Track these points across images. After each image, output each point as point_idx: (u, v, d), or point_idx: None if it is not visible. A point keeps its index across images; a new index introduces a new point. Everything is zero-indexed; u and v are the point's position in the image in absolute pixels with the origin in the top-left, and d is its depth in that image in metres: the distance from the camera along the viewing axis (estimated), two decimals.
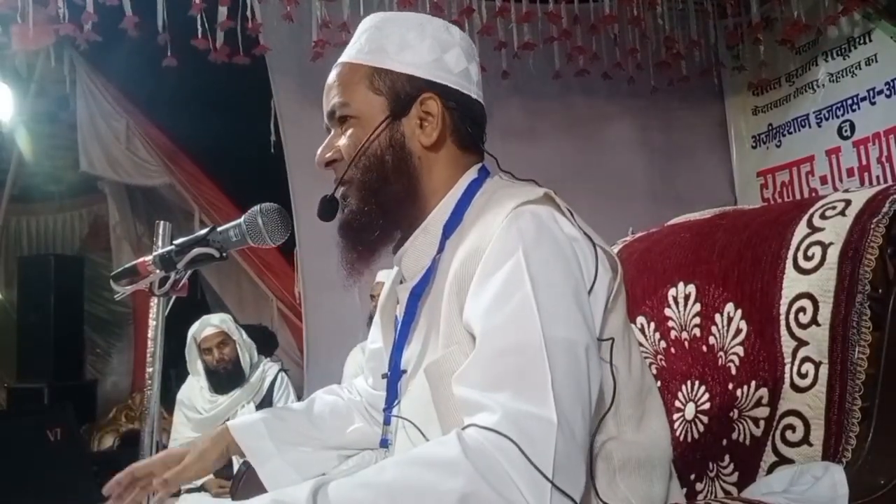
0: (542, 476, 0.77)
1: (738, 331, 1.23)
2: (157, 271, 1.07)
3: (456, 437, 0.80)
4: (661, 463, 1.02)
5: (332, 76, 1.11)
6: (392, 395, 1.11)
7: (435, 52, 1.08)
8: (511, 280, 0.91)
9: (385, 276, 3.38)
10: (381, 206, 1.06)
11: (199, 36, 3.38)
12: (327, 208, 1.09)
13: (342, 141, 1.08)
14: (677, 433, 1.28)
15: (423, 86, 1.07)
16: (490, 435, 0.80)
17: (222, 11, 3.36)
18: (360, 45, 1.11)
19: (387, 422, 1.12)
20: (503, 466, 0.77)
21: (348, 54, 1.11)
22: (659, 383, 1.31)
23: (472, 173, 1.10)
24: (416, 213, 1.08)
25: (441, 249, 1.05)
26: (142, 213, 5.12)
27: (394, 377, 1.11)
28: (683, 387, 1.31)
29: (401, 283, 1.14)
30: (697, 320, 1.31)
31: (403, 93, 1.07)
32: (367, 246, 1.08)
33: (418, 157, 1.07)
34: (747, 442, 1.17)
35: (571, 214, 1.01)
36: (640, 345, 1.38)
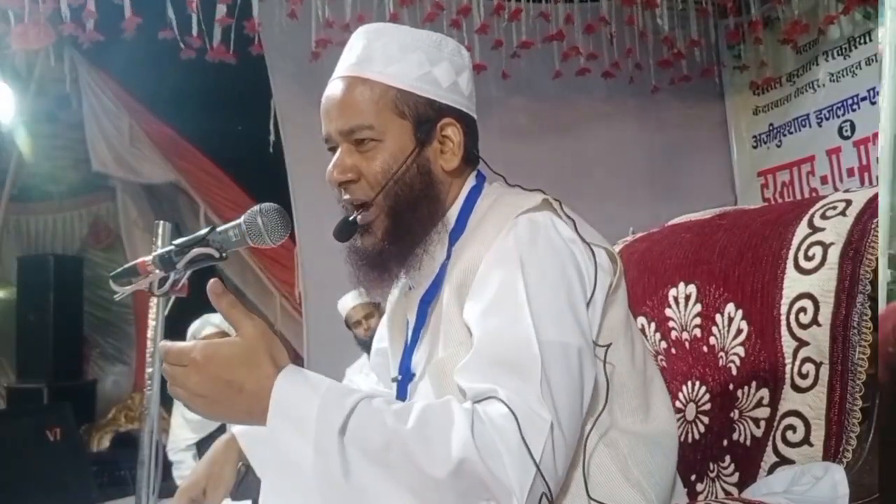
0: (531, 459, 0.83)
1: (739, 331, 1.23)
2: (157, 271, 1.07)
3: (470, 413, 0.85)
4: (670, 447, 1.07)
5: (345, 90, 1.07)
6: (401, 398, 1.13)
7: (450, 76, 1.10)
8: (506, 285, 0.95)
9: (349, 302, 3.40)
10: (408, 233, 1.07)
11: (195, 34, 3.37)
12: (347, 230, 1.08)
13: (365, 163, 1.06)
14: (678, 434, 1.28)
15: (443, 110, 1.09)
16: (498, 411, 0.85)
17: (220, 9, 3.35)
18: (372, 58, 1.08)
19: None
20: (498, 446, 0.83)
21: (361, 68, 1.08)
22: None
23: (471, 180, 1.14)
24: (434, 231, 1.10)
25: (448, 256, 1.08)
26: (148, 208, 5.11)
27: (404, 381, 1.14)
28: (684, 387, 1.31)
29: (410, 289, 1.16)
30: (698, 320, 1.31)
31: (425, 118, 1.07)
32: (397, 272, 1.10)
33: (440, 182, 1.10)
34: (748, 442, 1.17)
35: (569, 217, 1.04)
36: None
